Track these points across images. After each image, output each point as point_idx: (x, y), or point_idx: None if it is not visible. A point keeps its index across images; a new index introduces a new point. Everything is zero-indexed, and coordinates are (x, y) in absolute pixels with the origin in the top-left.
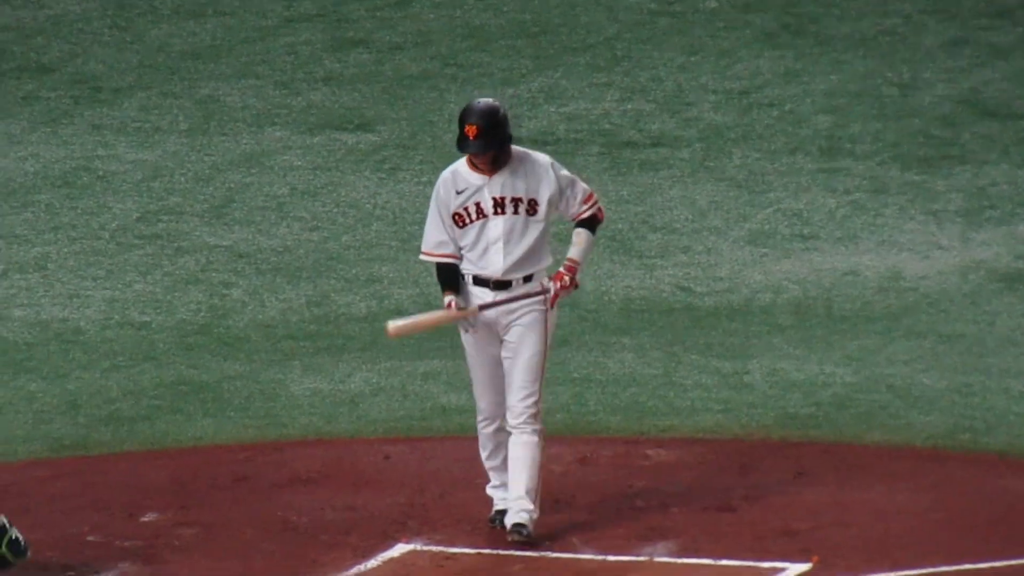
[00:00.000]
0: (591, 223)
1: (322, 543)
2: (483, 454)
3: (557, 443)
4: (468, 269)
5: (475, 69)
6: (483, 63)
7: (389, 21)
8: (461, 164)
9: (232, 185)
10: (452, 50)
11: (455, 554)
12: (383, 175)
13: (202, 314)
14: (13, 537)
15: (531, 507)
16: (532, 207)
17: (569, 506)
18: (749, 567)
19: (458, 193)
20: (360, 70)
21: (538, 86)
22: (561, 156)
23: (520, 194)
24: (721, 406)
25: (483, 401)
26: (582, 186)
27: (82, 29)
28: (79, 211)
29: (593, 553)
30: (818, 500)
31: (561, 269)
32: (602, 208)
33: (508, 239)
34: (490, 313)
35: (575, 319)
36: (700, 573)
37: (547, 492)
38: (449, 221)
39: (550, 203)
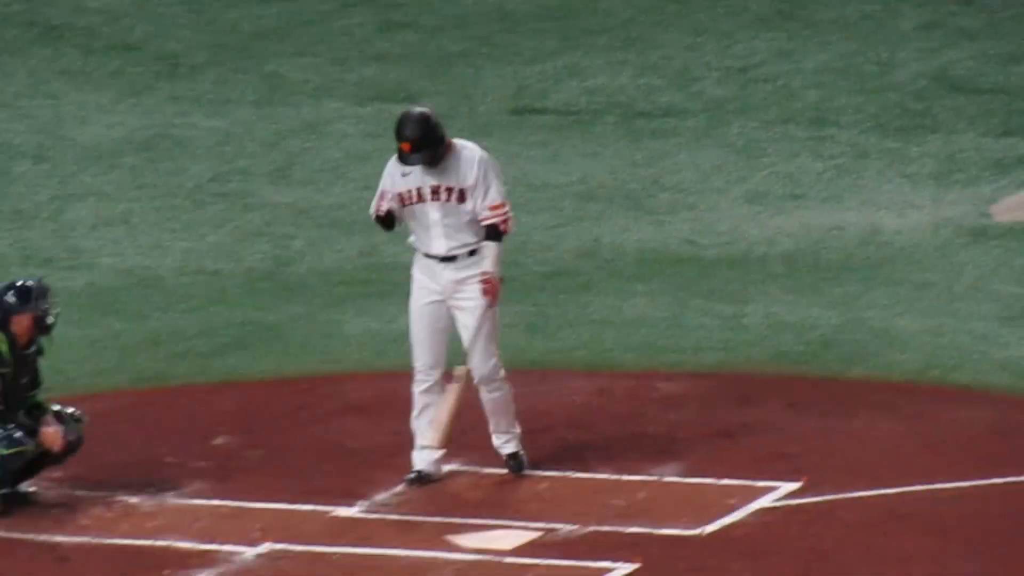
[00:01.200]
0: (493, 232)
1: (372, 464)
2: (413, 414)
3: (578, 377)
4: (417, 245)
5: (507, 48)
6: (513, 43)
7: (432, 5)
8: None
9: (294, 150)
10: (487, 31)
11: (489, 474)
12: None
13: (267, 263)
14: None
15: (516, 431)
16: (461, 195)
17: (588, 431)
18: (746, 485)
19: (403, 176)
20: (406, 49)
21: (562, 63)
22: (582, 125)
23: (452, 183)
24: (722, 345)
25: (420, 361)
26: (497, 192)
27: (163, 12)
28: (159, 172)
29: (609, 473)
30: (807, 427)
31: (482, 284)
32: (510, 221)
33: (446, 222)
34: (441, 282)
35: (594, 268)
36: (703, 491)
37: (569, 419)
38: (393, 196)
39: (471, 189)
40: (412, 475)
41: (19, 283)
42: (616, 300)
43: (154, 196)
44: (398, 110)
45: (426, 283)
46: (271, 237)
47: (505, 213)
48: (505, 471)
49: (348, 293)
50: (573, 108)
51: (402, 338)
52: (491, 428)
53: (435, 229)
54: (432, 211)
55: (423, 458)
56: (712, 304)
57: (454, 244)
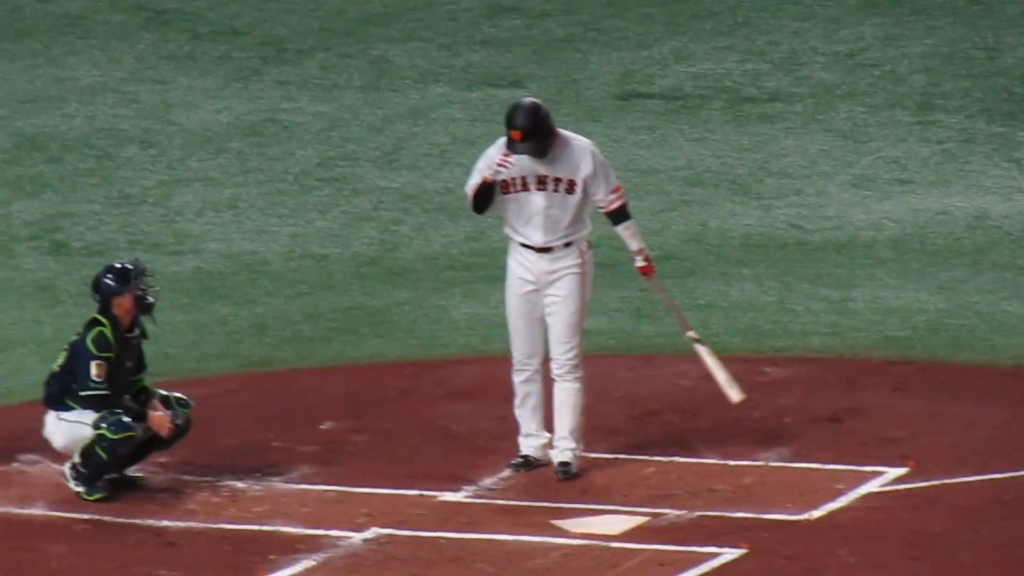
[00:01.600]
0: (622, 212)
1: (478, 448)
2: (515, 403)
3: (685, 361)
4: (513, 235)
5: (613, 33)
6: (620, 28)
7: None
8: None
9: (400, 135)
10: (594, 16)
11: (595, 458)
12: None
13: (374, 247)
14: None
15: (574, 446)
16: (571, 186)
17: (695, 416)
18: (853, 470)
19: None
20: (513, 34)
21: (669, 48)
22: (688, 110)
23: (561, 174)
24: (829, 329)
25: (518, 351)
26: (613, 176)
27: None
28: (266, 157)
29: (716, 458)
30: (914, 412)
31: (641, 263)
32: (627, 203)
33: (548, 213)
34: (535, 272)
35: (701, 252)
36: (810, 475)
37: (676, 403)
38: (497, 182)
39: (585, 183)
40: (519, 459)
41: (117, 265)
42: (723, 285)
43: (261, 181)
44: (505, 95)
45: (521, 273)
46: (378, 222)
47: (624, 193)
48: (611, 455)
49: (454, 278)
50: (680, 93)
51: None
52: (555, 428)
53: (536, 219)
54: (536, 200)
55: (529, 444)
56: (819, 289)
57: (551, 236)
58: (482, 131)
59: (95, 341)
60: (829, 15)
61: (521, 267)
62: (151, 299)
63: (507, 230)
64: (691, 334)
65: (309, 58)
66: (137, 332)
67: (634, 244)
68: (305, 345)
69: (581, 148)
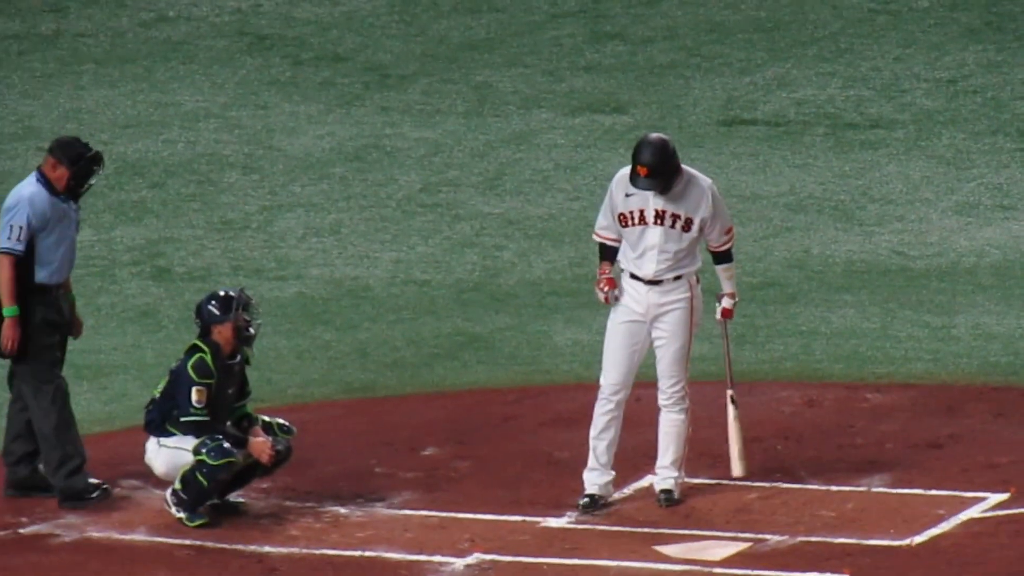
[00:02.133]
0: (728, 253)
1: (580, 474)
2: (592, 432)
3: (787, 388)
4: (626, 266)
5: (716, 59)
6: (723, 54)
7: (642, 17)
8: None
9: (503, 160)
10: (696, 42)
11: (698, 484)
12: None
13: (476, 273)
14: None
15: (676, 474)
16: (688, 224)
17: (798, 442)
18: (955, 496)
19: (627, 196)
20: (616, 60)
21: (771, 75)
22: (791, 136)
23: (680, 211)
24: (931, 355)
25: (608, 379)
26: (728, 219)
27: (372, 23)
28: (369, 183)
29: (818, 484)
30: (1016, 438)
31: (728, 305)
32: (734, 241)
33: (663, 248)
34: (644, 304)
35: (803, 278)
36: (911, 501)
37: (778, 429)
38: (614, 216)
39: (702, 222)
40: (585, 499)
41: (221, 293)
42: (825, 311)
43: (363, 206)
44: (608, 121)
45: (628, 303)
46: (480, 247)
47: (733, 235)
48: (713, 481)
49: (557, 304)
50: (782, 119)
51: None
52: (658, 457)
53: (651, 252)
54: (652, 235)
55: (594, 480)
56: (921, 315)
57: (663, 268)
58: (584, 157)
59: (195, 367)
60: (931, 42)
61: (630, 297)
62: (252, 331)
63: (620, 259)
64: (730, 392)
65: (412, 84)
66: (239, 359)
67: (729, 286)
68: (407, 371)
69: (702, 188)
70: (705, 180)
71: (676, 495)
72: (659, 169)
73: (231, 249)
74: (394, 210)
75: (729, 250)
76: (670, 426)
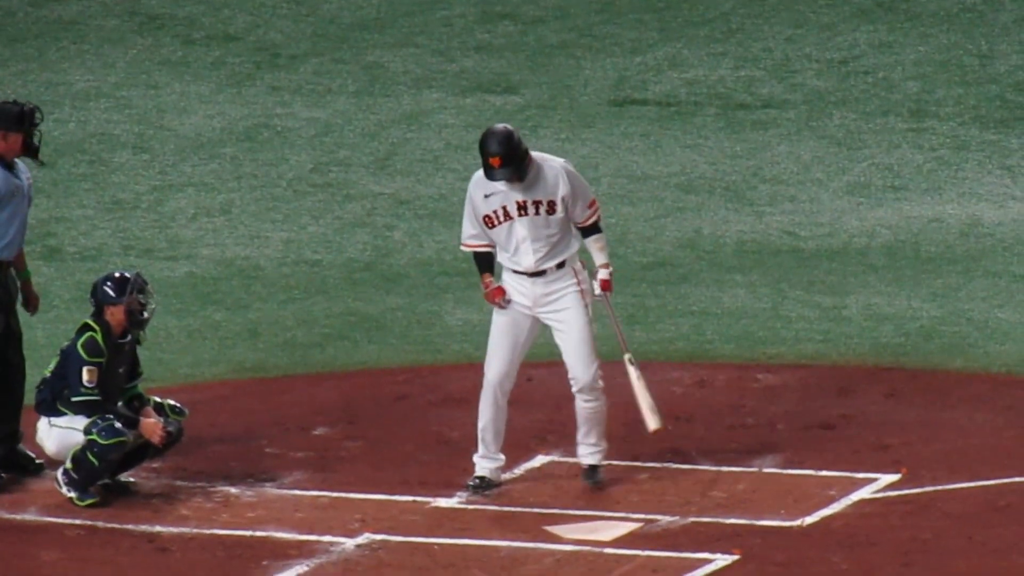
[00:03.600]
0: (595, 226)
1: (472, 455)
2: (479, 422)
3: (678, 368)
4: (505, 263)
5: (607, 40)
6: (614, 34)
7: None
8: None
9: (394, 140)
10: (587, 22)
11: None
12: (526, 132)
13: (367, 253)
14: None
15: (603, 446)
16: (551, 207)
17: (689, 423)
18: (846, 477)
19: (486, 197)
20: (507, 40)
21: (663, 55)
22: (682, 116)
23: (540, 197)
24: (822, 336)
25: (491, 371)
26: (589, 191)
27: (263, 3)
28: (260, 162)
29: (710, 464)
30: (907, 419)
31: (605, 276)
32: (600, 216)
33: (535, 237)
34: (531, 295)
35: (694, 259)
36: (803, 482)
37: (669, 410)
38: (480, 221)
39: (563, 201)
40: (475, 480)
41: (117, 274)
42: (716, 291)
43: (254, 186)
44: (498, 101)
45: (514, 295)
46: (371, 227)
47: (598, 207)
48: (605, 462)
49: (448, 284)
50: (673, 99)
51: None
52: (579, 436)
53: (524, 245)
54: (520, 227)
55: (485, 465)
56: (812, 296)
57: (541, 256)
58: (475, 137)
59: (86, 346)
60: (822, 22)
61: (514, 290)
62: (146, 315)
63: (499, 257)
64: (627, 355)
65: (303, 63)
66: (129, 338)
67: (602, 257)
68: (298, 351)
69: (555, 169)
70: (557, 160)
71: (603, 469)
72: (509, 156)
73: (122, 229)
74: (285, 190)
75: (596, 223)
76: (588, 413)
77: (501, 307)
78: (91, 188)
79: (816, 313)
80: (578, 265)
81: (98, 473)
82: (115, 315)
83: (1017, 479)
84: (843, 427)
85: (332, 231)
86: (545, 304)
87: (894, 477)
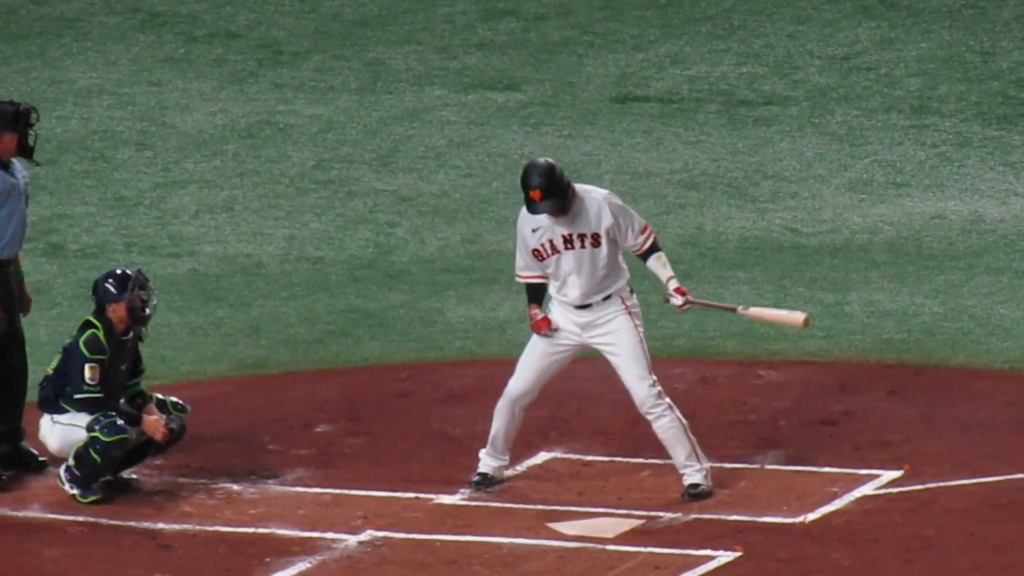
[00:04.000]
0: (653, 248)
1: (474, 452)
2: (493, 424)
3: (680, 364)
4: (554, 294)
5: (609, 36)
6: (616, 31)
7: None
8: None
9: (397, 137)
10: (589, 19)
11: (591, 461)
12: (528, 129)
13: (370, 250)
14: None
15: (697, 465)
16: (595, 240)
17: (691, 420)
18: (848, 473)
19: (533, 231)
20: (509, 37)
21: (664, 51)
22: (684, 113)
23: (584, 230)
24: (824, 332)
25: (516, 384)
26: (637, 218)
27: (265, 0)
28: (262, 159)
29: (712, 461)
30: (909, 415)
31: (674, 285)
32: (656, 236)
33: (579, 270)
34: (577, 321)
35: (696, 255)
36: (805, 479)
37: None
38: (529, 254)
39: (607, 234)
40: (477, 477)
41: (118, 271)
42: (718, 288)
43: (256, 183)
44: (500, 98)
45: (562, 322)
46: (374, 224)
47: (651, 231)
48: (607, 458)
49: (450, 281)
50: (675, 96)
51: (504, 325)
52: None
53: (571, 278)
54: (567, 261)
55: (489, 463)
56: (814, 292)
57: (588, 291)
58: (477, 133)
59: (88, 344)
60: (824, 19)
61: (562, 316)
62: (148, 312)
63: (550, 288)
64: (741, 309)
65: (305, 61)
66: (131, 335)
67: (665, 273)
68: (301, 348)
69: (597, 201)
70: (599, 192)
71: (704, 486)
72: (551, 190)
73: (124, 226)
74: (287, 187)
75: (652, 246)
76: (666, 432)
77: (547, 336)
78: (93, 185)
79: (818, 309)
80: (626, 293)
81: (100, 470)
82: (117, 312)
83: (1019, 476)
84: (845, 423)
85: (334, 228)
86: (593, 330)
87: (896, 473)
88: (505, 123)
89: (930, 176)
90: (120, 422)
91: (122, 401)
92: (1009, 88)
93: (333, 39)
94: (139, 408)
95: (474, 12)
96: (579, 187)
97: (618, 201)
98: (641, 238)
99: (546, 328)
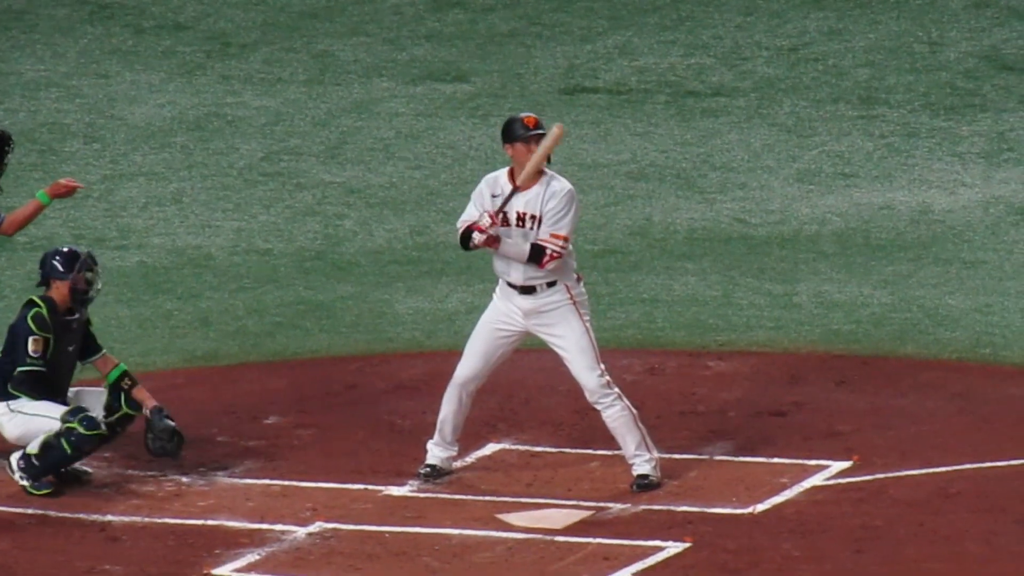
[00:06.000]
0: (538, 251)
1: (423, 443)
2: (440, 413)
3: (629, 355)
4: (498, 273)
5: (557, 28)
6: (564, 22)
7: None
8: (502, 173)
9: (345, 129)
10: (537, 10)
11: (540, 452)
12: (476, 121)
13: (318, 242)
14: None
15: (647, 455)
16: (536, 223)
17: (640, 410)
18: (797, 464)
19: (493, 196)
20: (457, 28)
21: (612, 43)
22: (632, 104)
23: (536, 212)
24: (773, 323)
25: (460, 370)
26: (563, 225)
27: None
28: (210, 151)
29: (661, 452)
30: (858, 406)
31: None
32: (555, 255)
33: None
34: (523, 308)
35: (645, 246)
36: (754, 470)
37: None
38: (480, 213)
39: (547, 215)
40: (426, 469)
41: (67, 249)
42: (666, 279)
43: (205, 175)
44: (449, 89)
45: (503, 307)
46: (322, 216)
47: (561, 247)
48: (555, 449)
49: (399, 272)
50: (623, 87)
51: (453, 317)
52: (622, 449)
53: (515, 260)
54: (513, 235)
55: (436, 454)
56: (762, 283)
57: (532, 274)
58: (426, 125)
59: (34, 319)
60: (772, 9)
61: (505, 303)
62: (91, 294)
63: (495, 267)
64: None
65: (253, 52)
66: (77, 316)
67: (507, 246)
68: (249, 339)
69: (558, 189)
70: (566, 183)
71: (653, 477)
72: (541, 126)
73: (73, 218)
74: (235, 179)
75: (543, 249)
76: (615, 421)
77: (484, 228)
78: (42, 177)
79: (767, 300)
80: (571, 281)
81: (66, 462)
82: (60, 290)
83: (968, 466)
84: (794, 414)
85: (283, 220)
86: (536, 318)
87: (846, 464)
88: (453, 115)
89: (878, 167)
90: (98, 417)
91: (110, 380)
92: (957, 79)
93: (281, 31)
94: (127, 390)
95: (422, 3)
96: (550, 172)
97: (577, 204)
98: (548, 236)
99: (493, 223)
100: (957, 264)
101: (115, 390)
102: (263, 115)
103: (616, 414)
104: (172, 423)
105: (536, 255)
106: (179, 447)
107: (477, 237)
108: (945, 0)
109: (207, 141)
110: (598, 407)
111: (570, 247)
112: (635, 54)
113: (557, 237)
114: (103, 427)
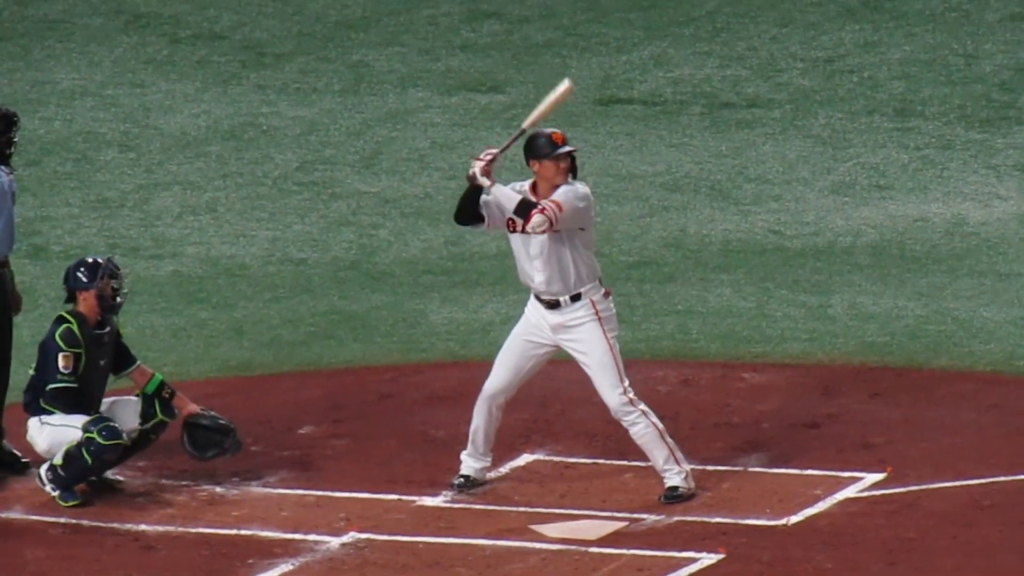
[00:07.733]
0: (526, 205)
1: (457, 453)
2: (472, 424)
3: (663, 367)
4: (524, 281)
5: (593, 39)
6: (600, 33)
7: None
8: (526, 184)
9: (380, 139)
10: (573, 21)
11: (574, 463)
12: (511, 131)
13: (353, 252)
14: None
15: (676, 468)
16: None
17: (673, 422)
18: (831, 476)
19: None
20: (492, 39)
21: (648, 54)
22: (667, 115)
23: None
24: (807, 335)
25: (490, 382)
26: (562, 195)
27: (249, 1)
28: (245, 161)
29: (695, 463)
30: (892, 418)
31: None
32: (544, 212)
33: (542, 255)
34: (550, 323)
35: (680, 258)
36: (788, 481)
37: (654, 409)
38: (502, 217)
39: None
40: (460, 479)
41: (89, 259)
42: (701, 290)
43: (240, 185)
44: (484, 100)
45: (533, 321)
46: (357, 226)
47: (552, 210)
48: (590, 460)
49: (433, 283)
50: (659, 98)
51: (488, 327)
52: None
53: (536, 262)
54: (534, 245)
55: (471, 465)
56: (797, 295)
57: (551, 277)
58: (461, 135)
59: (63, 336)
60: (808, 21)
61: (535, 314)
62: (119, 300)
63: (520, 275)
64: (526, 124)
65: (288, 62)
66: (108, 329)
67: (500, 188)
68: (284, 349)
69: (571, 185)
70: (582, 186)
71: (683, 489)
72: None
73: (107, 227)
74: (270, 188)
75: (533, 203)
76: (640, 438)
77: (487, 173)
78: (77, 186)
79: (801, 312)
80: (597, 296)
81: (89, 472)
82: (87, 300)
83: (1002, 478)
84: (828, 426)
85: (317, 230)
86: (563, 332)
87: (879, 476)
88: (488, 125)
89: (913, 179)
90: (117, 426)
91: (149, 391)
92: (992, 91)
93: (316, 41)
94: (170, 397)
95: (458, 14)
96: (572, 182)
97: (576, 192)
98: (544, 202)
99: (487, 162)
100: (992, 276)
101: (151, 397)
102: (298, 125)
103: (640, 431)
104: (223, 420)
105: (525, 207)
106: (238, 444)
107: (476, 165)
108: (980, 13)
109: (242, 151)
110: (623, 424)
111: (594, 263)
112: (670, 65)
113: (552, 201)
114: (124, 437)
